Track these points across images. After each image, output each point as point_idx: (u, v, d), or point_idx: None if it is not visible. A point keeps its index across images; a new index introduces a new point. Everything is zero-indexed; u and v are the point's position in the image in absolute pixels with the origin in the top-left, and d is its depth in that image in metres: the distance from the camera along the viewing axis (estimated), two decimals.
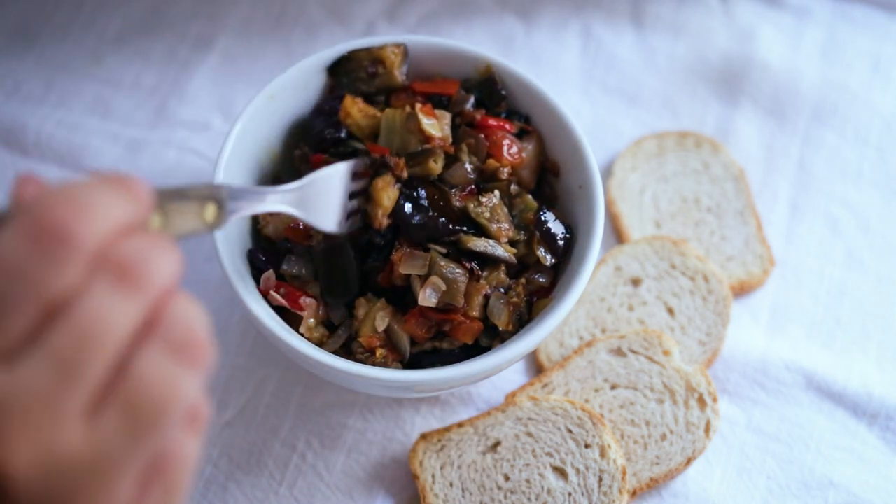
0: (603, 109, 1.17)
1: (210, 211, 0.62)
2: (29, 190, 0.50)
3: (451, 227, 0.88)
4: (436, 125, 0.91)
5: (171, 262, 0.50)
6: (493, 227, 0.88)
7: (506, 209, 0.90)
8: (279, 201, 0.78)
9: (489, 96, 0.96)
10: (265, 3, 1.22)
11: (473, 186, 0.91)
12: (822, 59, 1.21)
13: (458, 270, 0.86)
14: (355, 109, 0.93)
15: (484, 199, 0.89)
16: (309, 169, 0.91)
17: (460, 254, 0.88)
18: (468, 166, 0.91)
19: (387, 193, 0.87)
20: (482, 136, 0.92)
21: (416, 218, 0.87)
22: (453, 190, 0.90)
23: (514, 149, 0.93)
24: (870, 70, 1.21)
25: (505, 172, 0.92)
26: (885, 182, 1.13)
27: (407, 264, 0.86)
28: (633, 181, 1.11)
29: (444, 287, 0.85)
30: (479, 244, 0.88)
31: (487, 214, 0.89)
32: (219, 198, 0.63)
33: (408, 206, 0.87)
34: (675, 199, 1.10)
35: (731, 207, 1.09)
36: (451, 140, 0.92)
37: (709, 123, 1.17)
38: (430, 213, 0.87)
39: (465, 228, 0.88)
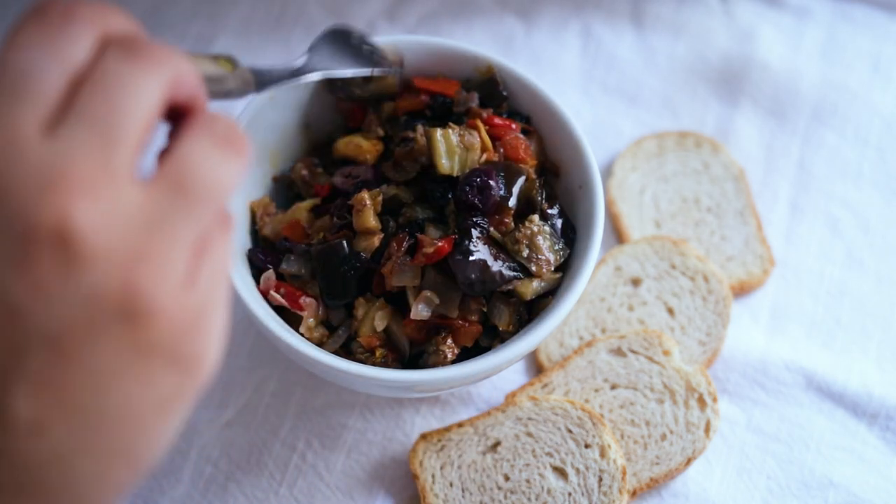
0: (603, 109, 1.17)
1: (225, 62, 0.63)
2: None
3: (504, 275, 0.85)
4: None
5: (183, 59, 0.51)
6: (533, 267, 0.86)
7: (547, 228, 0.88)
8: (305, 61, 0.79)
9: (490, 97, 0.96)
10: (265, 3, 1.22)
11: (507, 205, 0.88)
12: (822, 59, 1.21)
13: (452, 285, 0.86)
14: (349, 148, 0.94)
15: (520, 234, 0.87)
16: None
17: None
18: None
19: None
20: (498, 139, 0.92)
21: (474, 276, 0.84)
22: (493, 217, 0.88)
23: (525, 146, 0.92)
24: (870, 70, 1.21)
25: (532, 172, 0.90)
26: (885, 182, 1.13)
27: (398, 277, 0.86)
28: (633, 181, 1.11)
29: (437, 301, 0.85)
30: (532, 288, 0.87)
31: (526, 253, 0.87)
32: (230, 57, 0.64)
33: (463, 264, 0.84)
34: (675, 199, 1.10)
35: (731, 207, 1.09)
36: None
37: (709, 123, 1.17)
38: (486, 266, 0.85)
39: (519, 275, 0.86)
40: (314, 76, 0.80)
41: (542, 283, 0.87)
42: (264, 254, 0.91)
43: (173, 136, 0.52)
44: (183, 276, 0.49)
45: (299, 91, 0.96)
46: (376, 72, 0.87)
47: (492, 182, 0.87)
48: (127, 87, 0.48)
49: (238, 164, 0.51)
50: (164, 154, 0.50)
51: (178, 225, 0.48)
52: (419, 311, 0.85)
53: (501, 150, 0.91)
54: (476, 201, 0.86)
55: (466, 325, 0.86)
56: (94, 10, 0.49)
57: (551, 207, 0.90)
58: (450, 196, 0.88)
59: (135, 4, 1.21)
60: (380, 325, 0.86)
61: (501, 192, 0.87)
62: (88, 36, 0.48)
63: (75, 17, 0.48)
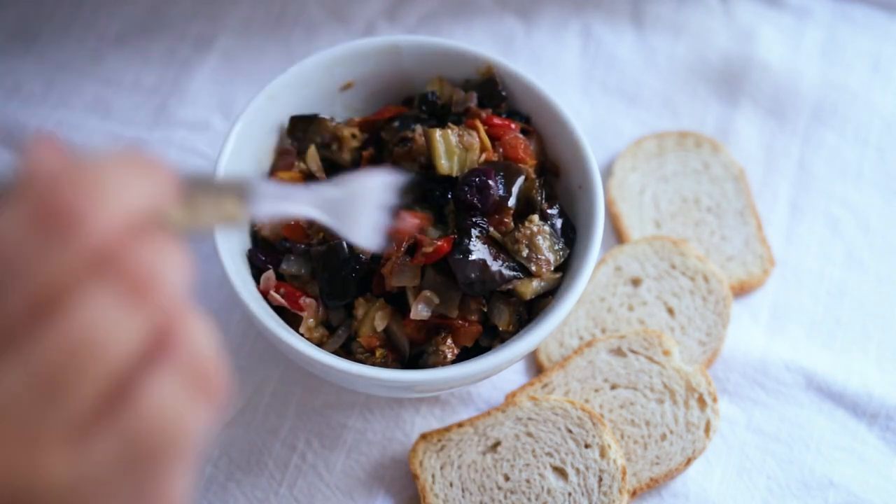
0: (603, 109, 1.17)
1: (233, 206, 0.55)
2: (43, 156, 0.43)
3: (504, 275, 0.86)
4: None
5: (185, 272, 0.44)
6: (533, 267, 0.86)
7: (547, 229, 0.88)
8: (309, 203, 0.65)
9: (490, 97, 0.96)
10: (265, 3, 1.22)
11: (506, 205, 0.88)
12: (822, 59, 1.21)
13: (452, 285, 0.86)
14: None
15: (519, 233, 0.87)
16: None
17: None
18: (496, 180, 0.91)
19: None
20: (497, 139, 0.92)
21: (474, 275, 0.84)
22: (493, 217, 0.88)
23: (525, 146, 0.92)
24: (870, 70, 1.21)
25: (532, 171, 0.90)
26: (885, 182, 1.13)
27: (397, 277, 0.86)
28: (633, 181, 1.11)
29: (437, 300, 0.85)
30: (532, 288, 0.87)
31: (525, 252, 0.87)
32: (246, 193, 0.56)
33: (462, 263, 0.84)
34: (675, 199, 1.10)
35: (731, 207, 1.09)
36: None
37: (709, 123, 1.17)
38: (486, 266, 0.85)
39: (519, 275, 0.86)
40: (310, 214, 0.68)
41: (542, 283, 0.87)
42: (264, 254, 0.91)
43: (140, 366, 0.43)
44: None
45: (300, 91, 0.96)
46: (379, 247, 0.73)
47: (491, 182, 0.87)
48: (104, 334, 0.40)
49: (209, 413, 0.44)
50: (119, 393, 0.41)
51: (113, 492, 0.41)
52: (419, 311, 0.85)
53: (501, 150, 0.91)
54: (475, 201, 0.86)
55: (466, 325, 0.86)
56: (107, 208, 0.40)
57: (551, 207, 0.90)
58: (449, 196, 0.89)
59: (135, 4, 1.21)
60: (380, 325, 0.86)
61: (500, 192, 0.87)
62: (83, 250, 0.40)
63: (76, 224, 0.39)
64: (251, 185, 0.57)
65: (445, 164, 0.88)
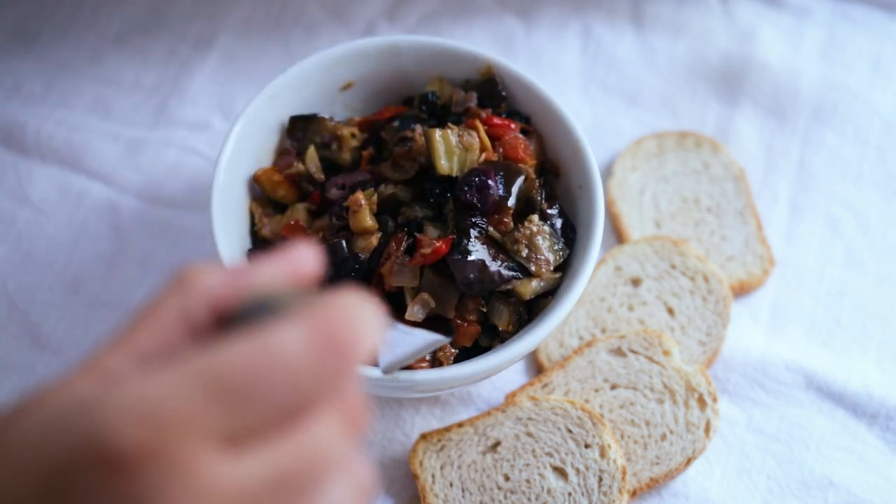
0: (603, 109, 1.17)
1: None
2: (302, 264, 0.51)
3: (503, 275, 0.86)
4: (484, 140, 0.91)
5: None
6: (532, 267, 0.86)
7: (547, 229, 0.88)
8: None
9: (489, 97, 0.96)
10: (265, 3, 1.22)
11: (506, 205, 0.88)
12: (822, 59, 1.21)
13: (450, 286, 0.86)
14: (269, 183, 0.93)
15: (519, 233, 0.87)
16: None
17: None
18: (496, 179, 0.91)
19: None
20: (497, 138, 0.92)
21: (472, 275, 0.84)
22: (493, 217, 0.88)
23: (524, 146, 0.92)
24: (870, 70, 1.21)
25: (532, 171, 0.90)
26: (885, 182, 1.13)
27: (396, 277, 0.86)
28: (633, 181, 1.11)
29: (433, 304, 0.85)
30: (531, 288, 0.87)
31: (525, 252, 0.87)
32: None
33: (461, 264, 0.84)
34: (675, 199, 1.10)
35: (731, 207, 1.09)
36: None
37: (709, 123, 1.17)
38: (485, 266, 0.85)
39: (518, 275, 0.86)
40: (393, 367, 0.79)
41: (542, 284, 0.87)
42: (264, 254, 0.90)
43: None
44: None
45: (300, 91, 0.96)
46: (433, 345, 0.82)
47: (490, 182, 0.87)
48: (328, 456, 0.46)
49: (356, 442, 0.50)
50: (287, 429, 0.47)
51: None
52: (414, 312, 0.85)
53: (501, 150, 0.91)
54: (475, 201, 0.86)
55: (465, 325, 0.86)
56: (366, 345, 0.46)
57: (551, 207, 0.90)
58: (448, 195, 0.89)
59: (135, 4, 1.21)
60: None
61: (500, 192, 0.87)
62: (343, 383, 0.46)
63: (349, 359, 0.45)
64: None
65: (445, 164, 0.88)
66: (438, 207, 0.89)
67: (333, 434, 0.47)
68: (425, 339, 0.78)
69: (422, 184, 0.90)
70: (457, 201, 0.87)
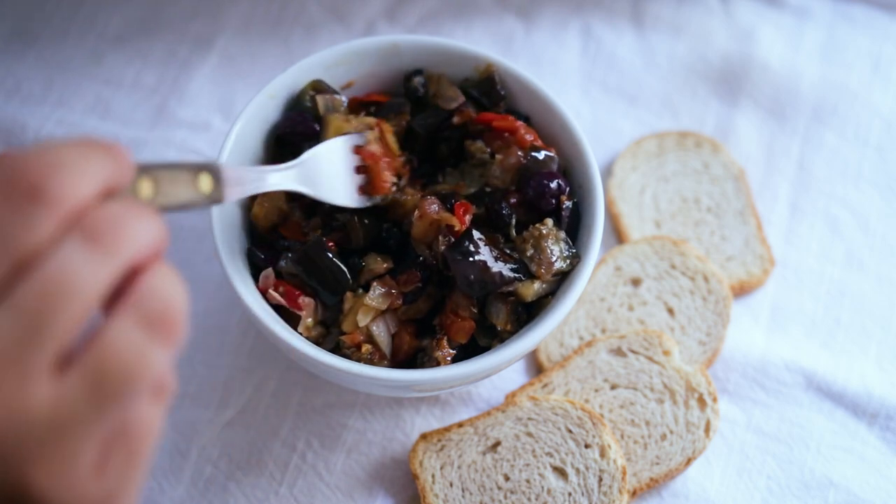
0: (603, 109, 1.17)
1: (205, 181, 0.61)
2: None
3: (504, 276, 0.85)
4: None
5: (151, 228, 0.50)
6: (534, 267, 0.86)
7: (562, 234, 0.88)
8: (283, 179, 0.76)
9: (488, 96, 0.96)
10: (265, 2, 1.22)
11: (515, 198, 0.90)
12: (822, 59, 1.21)
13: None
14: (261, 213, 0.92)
15: (527, 233, 0.88)
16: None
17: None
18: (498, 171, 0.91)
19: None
20: (500, 135, 0.93)
21: (473, 276, 0.84)
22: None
23: (530, 136, 0.92)
24: (870, 70, 1.21)
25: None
26: (885, 182, 1.13)
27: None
28: (633, 181, 1.11)
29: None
30: (533, 290, 0.87)
31: (531, 252, 0.87)
32: (213, 169, 0.62)
33: (462, 265, 0.84)
34: (675, 199, 1.10)
35: (731, 207, 1.09)
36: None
37: (709, 123, 1.17)
38: (486, 267, 0.85)
39: (520, 276, 0.86)
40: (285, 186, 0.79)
41: (544, 285, 0.87)
42: (263, 252, 0.90)
43: (108, 309, 0.50)
44: (88, 470, 0.48)
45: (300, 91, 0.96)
46: (360, 202, 0.85)
47: (560, 183, 0.90)
48: (72, 279, 0.46)
49: (167, 350, 0.49)
50: (91, 335, 0.48)
51: (87, 424, 0.47)
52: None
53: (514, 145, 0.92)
54: (550, 206, 0.89)
55: (459, 320, 0.86)
56: (69, 182, 0.47)
57: (568, 200, 0.91)
58: (511, 212, 0.89)
59: (135, 4, 1.21)
60: (363, 320, 0.86)
61: (567, 190, 0.90)
62: (51, 218, 0.46)
63: (43, 197, 0.46)
64: (217, 164, 0.64)
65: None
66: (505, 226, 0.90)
67: (74, 263, 0.47)
68: (330, 147, 0.81)
69: (482, 199, 0.92)
70: (531, 206, 0.89)
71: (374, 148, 0.88)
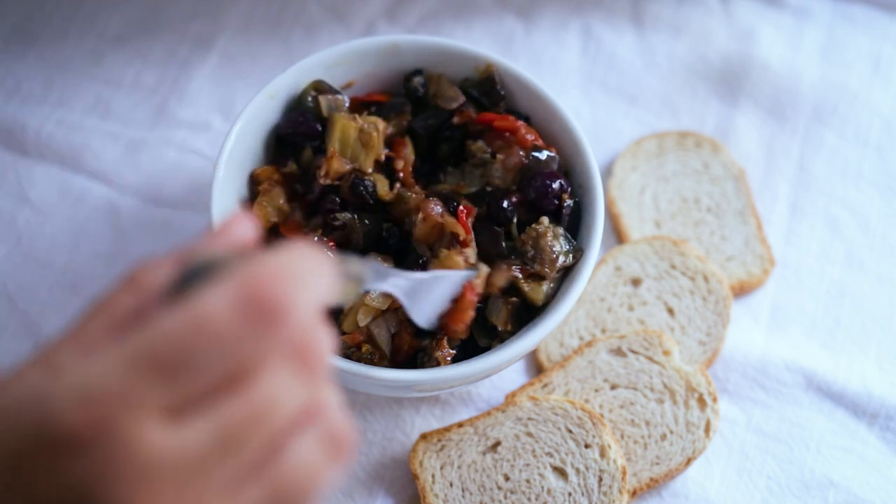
0: (603, 109, 1.17)
1: (354, 287, 0.61)
2: (241, 232, 0.52)
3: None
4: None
5: (331, 349, 0.50)
6: (538, 267, 0.87)
7: (552, 227, 0.88)
8: (397, 285, 0.76)
9: (488, 96, 0.96)
10: (265, 2, 1.22)
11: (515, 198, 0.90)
12: (822, 59, 1.21)
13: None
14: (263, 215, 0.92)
15: (525, 234, 0.88)
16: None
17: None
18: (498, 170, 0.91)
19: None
20: (501, 135, 0.93)
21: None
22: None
23: (531, 136, 0.92)
24: (870, 70, 1.21)
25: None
26: (885, 182, 1.13)
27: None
28: (633, 181, 1.11)
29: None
30: (542, 293, 0.87)
31: (531, 252, 0.87)
32: (364, 276, 0.62)
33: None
34: (675, 199, 1.10)
35: (731, 207, 1.09)
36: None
37: (709, 123, 1.17)
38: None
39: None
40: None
41: (552, 286, 0.88)
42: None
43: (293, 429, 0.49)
44: None
45: (300, 91, 0.96)
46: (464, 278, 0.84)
47: (563, 183, 0.90)
48: (278, 404, 0.47)
49: (337, 469, 0.51)
50: (272, 448, 0.48)
51: None
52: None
53: (516, 146, 0.92)
54: (551, 206, 0.89)
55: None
56: (302, 303, 0.46)
57: (569, 198, 0.91)
58: (513, 210, 0.89)
59: (135, 4, 1.21)
60: (362, 319, 0.86)
61: (568, 190, 0.91)
62: (279, 339, 0.46)
63: (278, 318, 0.45)
64: (368, 269, 0.63)
65: (336, 157, 0.90)
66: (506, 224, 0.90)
67: (282, 388, 0.47)
68: (449, 277, 0.80)
69: (484, 198, 0.92)
70: (531, 206, 0.89)
71: (478, 285, 0.86)
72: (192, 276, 0.48)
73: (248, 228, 0.53)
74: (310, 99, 0.94)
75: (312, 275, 0.47)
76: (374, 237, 0.90)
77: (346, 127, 0.91)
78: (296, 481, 0.48)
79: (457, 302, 0.84)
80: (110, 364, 0.44)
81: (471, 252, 0.86)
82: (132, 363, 0.44)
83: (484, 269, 0.86)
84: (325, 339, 0.49)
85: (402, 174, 0.93)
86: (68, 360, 0.47)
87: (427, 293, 0.78)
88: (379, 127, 0.91)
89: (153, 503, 0.44)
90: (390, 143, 0.95)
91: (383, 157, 0.93)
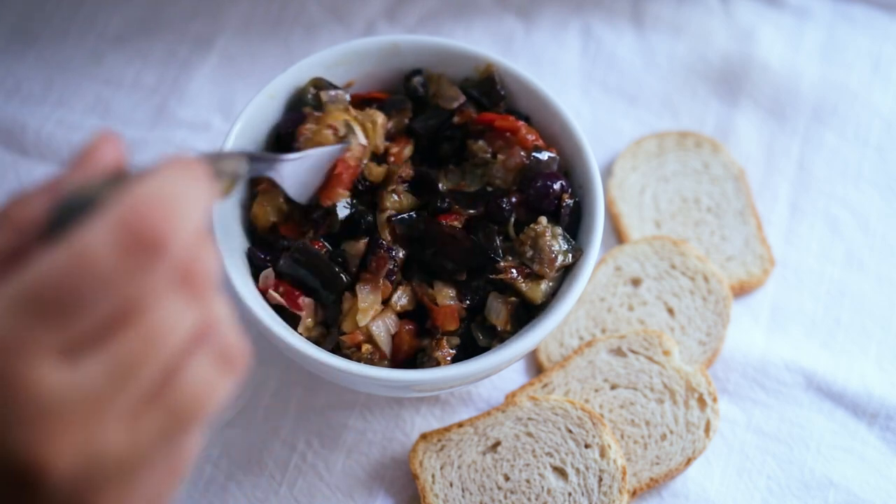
0: (603, 109, 1.17)
1: (232, 177, 0.63)
2: (108, 155, 0.51)
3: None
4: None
5: (218, 263, 0.50)
6: (537, 267, 0.87)
7: (559, 230, 0.89)
8: (273, 168, 0.80)
9: (488, 96, 0.96)
10: (265, 2, 1.22)
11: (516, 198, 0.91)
12: (822, 59, 1.21)
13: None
14: (262, 213, 0.92)
15: (524, 234, 0.88)
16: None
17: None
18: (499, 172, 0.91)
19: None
20: (501, 135, 0.93)
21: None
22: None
23: (532, 136, 0.92)
24: (870, 70, 1.21)
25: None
26: (885, 182, 1.13)
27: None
28: (633, 181, 1.11)
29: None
30: (541, 292, 0.87)
31: (530, 253, 0.87)
32: (240, 171, 0.65)
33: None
34: (675, 199, 1.10)
35: (731, 207, 1.09)
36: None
37: (709, 123, 1.17)
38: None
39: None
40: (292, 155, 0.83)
41: (551, 285, 0.88)
42: (263, 252, 0.90)
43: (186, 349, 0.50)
44: (146, 498, 0.49)
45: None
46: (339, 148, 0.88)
47: (563, 184, 0.90)
48: (169, 330, 0.47)
49: (231, 383, 0.51)
50: (167, 373, 0.48)
51: (157, 460, 0.49)
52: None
53: (517, 145, 0.92)
54: (551, 207, 0.90)
55: (440, 308, 0.86)
56: (182, 227, 0.46)
57: (570, 198, 0.91)
58: (510, 209, 0.89)
59: (135, 4, 1.21)
60: (362, 319, 0.86)
61: (568, 191, 0.91)
62: (164, 269, 0.46)
63: (160, 249, 0.45)
64: (242, 161, 0.66)
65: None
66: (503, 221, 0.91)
67: (171, 315, 0.47)
68: (320, 154, 0.84)
69: (485, 198, 0.92)
70: (532, 207, 0.90)
71: (351, 158, 0.88)
72: (68, 210, 0.47)
73: (114, 149, 0.52)
74: (310, 97, 0.94)
75: (188, 193, 0.47)
76: (349, 223, 0.91)
77: (337, 118, 0.90)
78: (192, 400, 0.49)
79: (329, 176, 0.87)
80: None
81: (340, 125, 0.88)
82: (17, 307, 0.44)
83: (356, 141, 0.88)
84: (209, 257, 0.49)
85: (393, 159, 0.93)
86: None
87: (302, 172, 0.83)
88: (378, 120, 0.92)
89: (56, 441, 0.44)
90: (391, 139, 0.95)
91: (382, 149, 0.93)
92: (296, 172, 0.83)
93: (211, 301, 0.50)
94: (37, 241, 0.48)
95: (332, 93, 0.94)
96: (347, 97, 0.95)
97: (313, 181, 0.86)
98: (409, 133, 0.96)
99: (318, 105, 0.94)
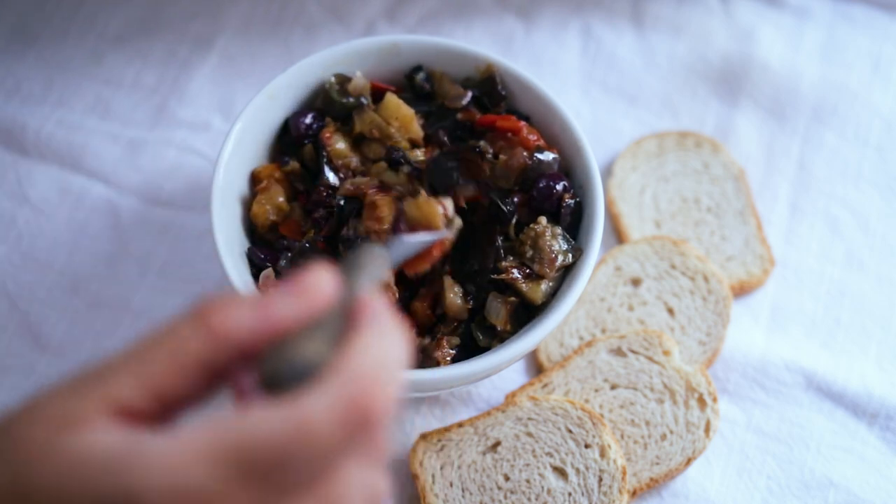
0: (603, 109, 1.17)
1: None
2: (325, 292, 0.52)
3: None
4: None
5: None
6: (537, 267, 0.87)
7: (550, 226, 0.89)
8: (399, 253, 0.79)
9: (489, 96, 0.96)
10: (265, 2, 1.22)
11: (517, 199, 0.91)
12: (822, 59, 1.21)
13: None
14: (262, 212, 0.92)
15: (524, 235, 0.88)
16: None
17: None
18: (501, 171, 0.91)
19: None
20: (503, 136, 0.93)
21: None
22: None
23: (533, 136, 0.92)
24: (870, 70, 1.21)
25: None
26: (885, 182, 1.13)
27: None
28: (633, 181, 1.11)
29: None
30: (541, 292, 0.87)
31: (530, 253, 0.88)
32: (386, 270, 0.64)
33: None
34: (675, 199, 1.10)
35: (731, 207, 1.09)
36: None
37: (709, 123, 1.17)
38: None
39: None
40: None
41: (551, 285, 0.88)
42: (263, 252, 0.91)
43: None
44: None
45: (300, 91, 0.96)
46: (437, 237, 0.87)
47: (565, 184, 0.90)
48: (350, 498, 0.49)
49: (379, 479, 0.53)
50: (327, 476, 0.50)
51: None
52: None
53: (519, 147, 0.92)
54: (553, 207, 0.90)
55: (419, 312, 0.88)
56: (386, 408, 0.48)
57: (571, 198, 0.91)
58: (513, 210, 0.90)
59: (135, 4, 1.21)
60: None
61: (570, 191, 0.91)
62: (364, 443, 0.48)
63: (378, 429, 0.48)
64: (386, 263, 0.63)
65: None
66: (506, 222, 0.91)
67: (355, 486, 0.49)
68: (430, 238, 0.84)
69: (485, 195, 0.92)
70: (533, 207, 0.90)
71: (447, 241, 0.87)
72: (283, 370, 0.48)
73: (330, 287, 0.52)
74: (336, 90, 0.94)
75: (397, 360, 0.49)
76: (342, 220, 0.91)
77: (394, 102, 0.91)
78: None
79: (421, 254, 0.86)
80: (203, 455, 0.44)
81: (450, 205, 0.87)
82: (228, 462, 0.45)
83: (455, 225, 0.87)
84: (389, 430, 0.52)
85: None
86: (141, 407, 0.47)
87: (407, 248, 0.82)
88: (411, 114, 0.93)
89: None
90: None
91: (421, 136, 0.93)
92: (406, 249, 0.82)
93: (383, 471, 0.52)
94: (251, 395, 0.49)
95: (359, 83, 0.95)
96: (365, 100, 0.95)
97: (407, 254, 0.84)
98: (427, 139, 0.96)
99: (343, 93, 0.94)
